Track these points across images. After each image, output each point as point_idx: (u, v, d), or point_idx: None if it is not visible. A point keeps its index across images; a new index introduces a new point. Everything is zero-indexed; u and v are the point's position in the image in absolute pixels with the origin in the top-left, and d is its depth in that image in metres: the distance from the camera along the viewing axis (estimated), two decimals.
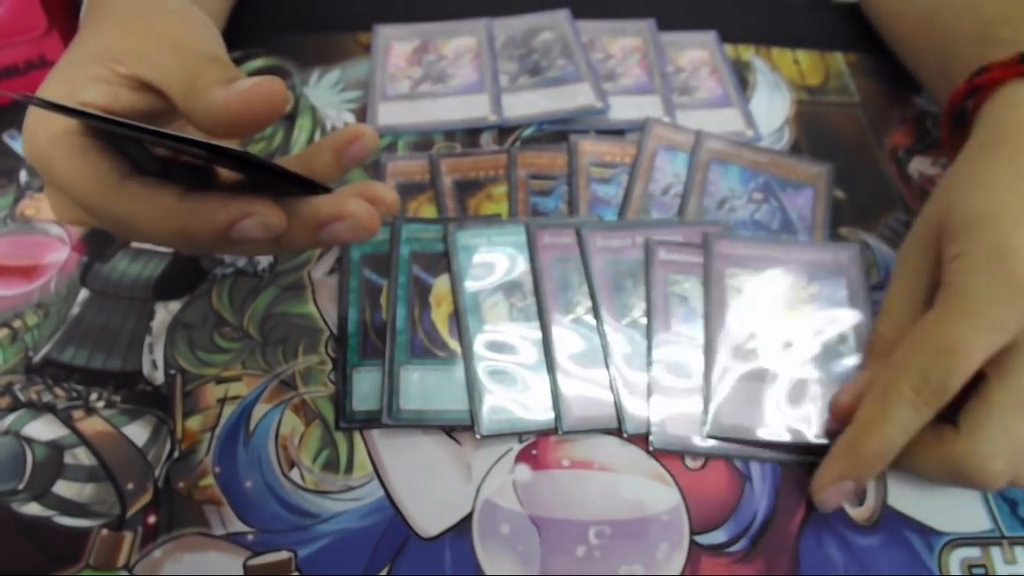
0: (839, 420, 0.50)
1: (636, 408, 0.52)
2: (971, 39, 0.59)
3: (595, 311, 0.56)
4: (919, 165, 0.66)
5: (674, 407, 0.52)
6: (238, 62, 0.71)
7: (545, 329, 0.55)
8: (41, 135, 0.44)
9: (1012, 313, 0.45)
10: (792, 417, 0.51)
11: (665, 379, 0.53)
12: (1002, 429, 0.45)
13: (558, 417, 0.52)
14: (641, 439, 0.52)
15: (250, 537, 0.48)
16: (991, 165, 0.51)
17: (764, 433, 0.51)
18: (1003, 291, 0.45)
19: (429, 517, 0.49)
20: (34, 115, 0.46)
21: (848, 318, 0.55)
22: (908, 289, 0.52)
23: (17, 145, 0.66)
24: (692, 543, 0.48)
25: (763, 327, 0.55)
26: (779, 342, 0.54)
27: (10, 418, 0.52)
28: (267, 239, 0.43)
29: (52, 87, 0.46)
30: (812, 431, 0.51)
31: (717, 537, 0.48)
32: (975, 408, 0.46)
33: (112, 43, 0.46)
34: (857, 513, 0.49)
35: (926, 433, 0.46)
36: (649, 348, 0.54)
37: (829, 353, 0.54)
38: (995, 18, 0.59)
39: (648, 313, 0.56)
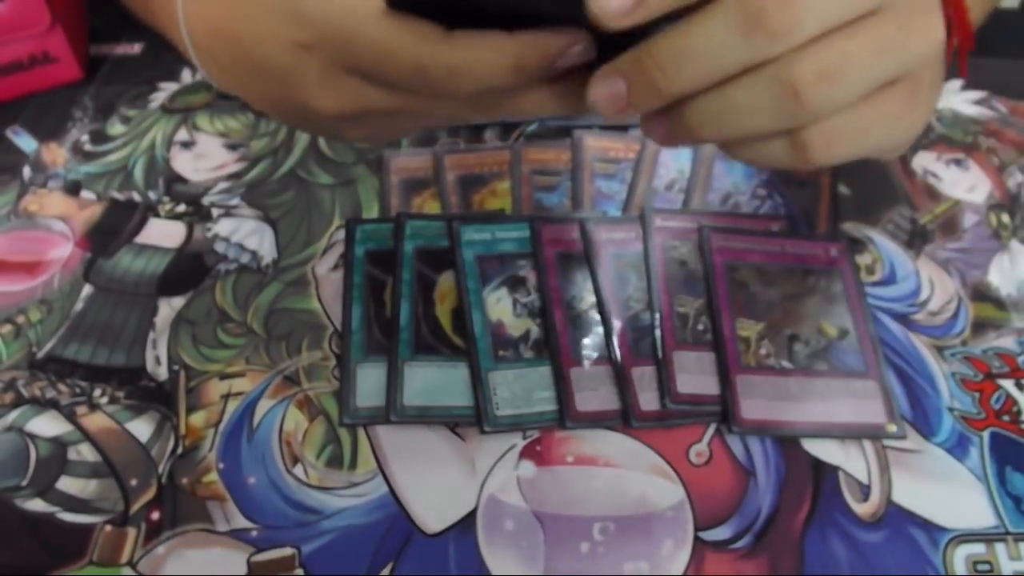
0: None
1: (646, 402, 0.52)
2: None
3: (599, 305, 0.56)
4: (923, 160, 0.66)
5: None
6: None
7: (549, 324, 0.55)
8: (335, 11, 0.41)
9: None
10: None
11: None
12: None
13: (562, 412, 0.51)
14: (645, 433, 0.52)
15: (254, 533, 0.48)
16: None
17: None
18: None
19: (433, 513, 0.49)
20: None
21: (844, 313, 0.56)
22: None
23: (21, 140, 0.66)
24: (696, 539, 0.48)
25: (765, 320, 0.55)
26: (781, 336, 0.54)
27: (14, 414, 0.52)
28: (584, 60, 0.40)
29: None
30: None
31: (721, 533, 0.48)
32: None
33: None
34: (862, 509, 0.49)
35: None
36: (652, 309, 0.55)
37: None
38: None
39: (648, 277, 0.57)
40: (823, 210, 0.62)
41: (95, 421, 0.52)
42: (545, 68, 0.41)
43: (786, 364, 0.53)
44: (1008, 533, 0.49)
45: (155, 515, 0.49)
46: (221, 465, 0.50)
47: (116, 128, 0.68)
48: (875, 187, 0.64)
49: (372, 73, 0.42)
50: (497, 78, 0.41)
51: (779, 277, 0.57)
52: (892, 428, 0.52)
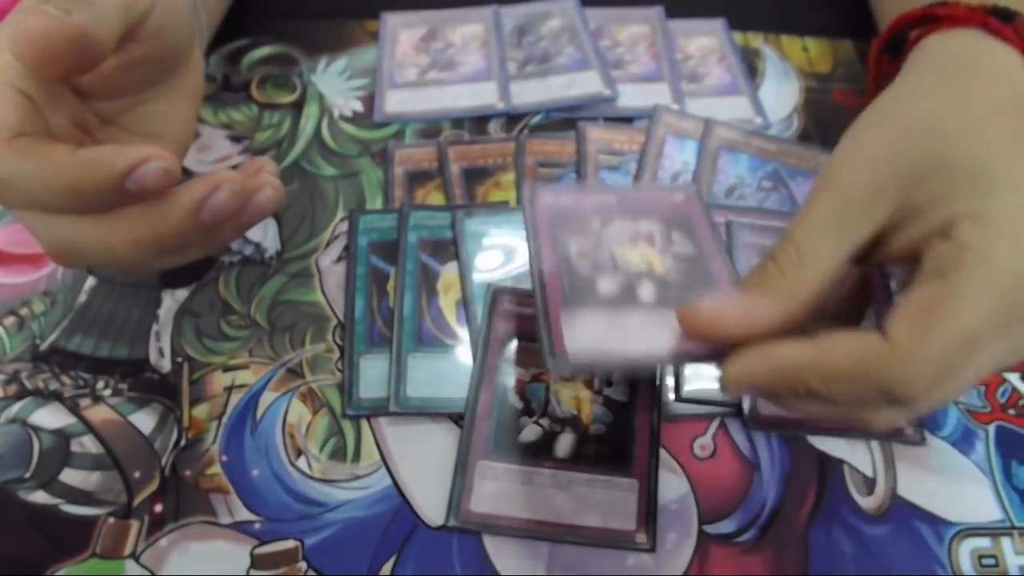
0: (694, 333, 0.40)
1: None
2: None
3: None
4: None
5: None
6: (246, 50, 0.71)
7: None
8: None
9: None
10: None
11: None
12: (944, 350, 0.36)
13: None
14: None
15: (257, 526, 0.48)
16: (980, 111, 0.41)
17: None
18: None
19: (436, 506, 0.48)
20: None
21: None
22: (839, 228, 0.40)
23: None
24: (701, 533, 0.48)
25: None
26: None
27: (17, 406, 0.52)
28: (166, 186, 0.41)
29: None
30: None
31: (726, 527, 0.48)
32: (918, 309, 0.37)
33: None
34: (867, 503, 0.49)
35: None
36: None
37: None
38: None
39: None
40: None
41: (98, 413, 0.52)
42: (110, 191, 0.40)
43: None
44: (1014, 527, 0.49)
45: (158, 507, 0.49)
46: (224, 457, 0.50)
47: None
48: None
49: None
50: (51, 198, 0.41)
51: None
52: (911, 431, 0.51)
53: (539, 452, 0.50)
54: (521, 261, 0.57)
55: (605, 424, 0.51)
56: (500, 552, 0.47)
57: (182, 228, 0.42)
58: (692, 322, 0.40)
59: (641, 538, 0.47)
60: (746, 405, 0.52)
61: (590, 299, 0.44)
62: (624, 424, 0.51)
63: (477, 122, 0.67)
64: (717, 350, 0.40)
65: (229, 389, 0.53)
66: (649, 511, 0.48)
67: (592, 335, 0.43)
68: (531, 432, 0.50)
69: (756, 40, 0.74)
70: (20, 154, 0.40)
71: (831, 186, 0.40)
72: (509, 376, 0.52)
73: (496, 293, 0.55)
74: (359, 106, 0.68)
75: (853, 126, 0.43)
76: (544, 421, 0.51)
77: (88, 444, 0.51)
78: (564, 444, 0.50)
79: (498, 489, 0.49)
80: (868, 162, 0.40)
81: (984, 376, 0.38)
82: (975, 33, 0.46)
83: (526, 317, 0.54)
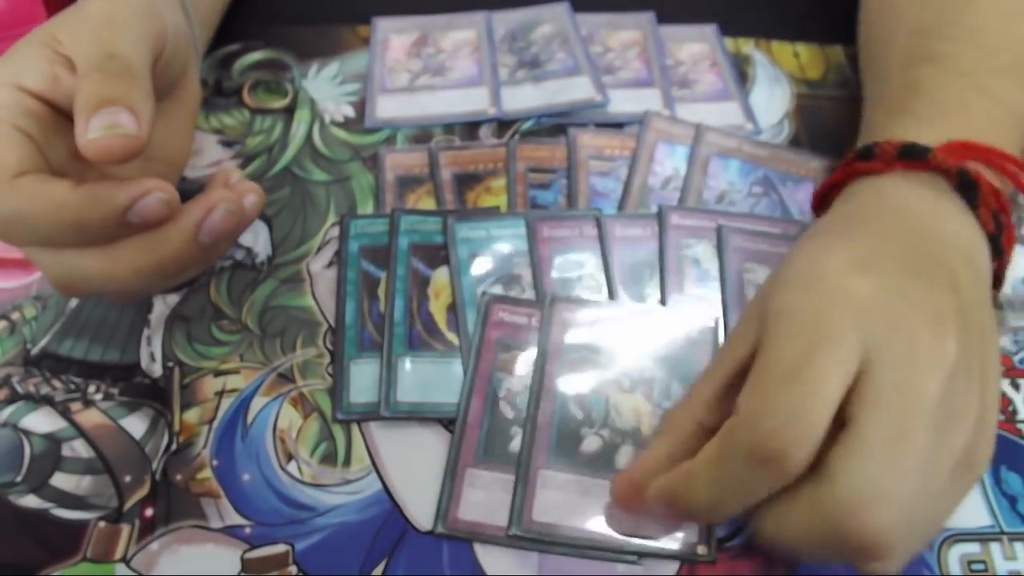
0: (628, 503, 0.45)
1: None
2: (895, 65, 0.57)
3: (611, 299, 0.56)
4: None
5: None
6: (238, 55, 0.71)
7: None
8: None
9: (849, 325, 0.39)
10: None
11: None
12: (881, 466, 0.37)
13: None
14: None
15: (247, 530, 0.48)
16: (824, 231, 0.47)
17: None
18: (836, 308, 0.39)
19: (427, 510, 0.48)
20: None
21: None
22: (721, 361, 0.44)
23: None
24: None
25: None
26: None
27: (8, 410, 0.52)
28: (166, 216, 0.44)
29: None
30: None
31: (716, 531, 0.48)
32: (845, 445, 0.37)
33: (56, 22, 0.47)
34: None
35: (783, 493, 0.39)
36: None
37: None
38: (922, 27, 0.57)
39: (661, 276, 0.57)
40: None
41: (89, 417, 0.52)
42: (113, 225, 0.43)
43: None
44: (1003, 532, 0.48)
45: (149, 512, 0.48)
46: (215, 462, 0.50)
47: None
48: None
49: None
50: (54, 233, 0.43)
51: None
52: None
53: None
54: (515, 263, 0.58)
55: None
56: (491, 557, 0.47)
57: (182, 252, 0.45)
58: (618, 493, 0.46)
59: (703, 550, 0.47)
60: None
61: (570, 457, 0.49)
62: None
63: (468, 128, 0.67)
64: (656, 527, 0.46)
65: (220, 394, 0.53)
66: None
67: (560, 503, 0.48)
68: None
69: (747, 46, 0.74)
70: (23, 194, 0.42)
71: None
72: (500, 385, 0.52)
73: (490, 301, 0.55)
74: (351, 111, 0.68)
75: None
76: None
77: (79, 448, 0.51)
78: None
79: (486, 497, 0.49)
80: (747, 308, 0.46)
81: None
82: (855, 184, 0.50)
83: (519, 326, 0.54)
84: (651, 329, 0.54)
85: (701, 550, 0.47)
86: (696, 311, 0.55)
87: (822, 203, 0.53)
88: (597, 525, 0.47)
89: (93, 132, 0.42)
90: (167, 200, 0.44)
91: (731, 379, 0.43)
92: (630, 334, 0.53)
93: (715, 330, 0.54)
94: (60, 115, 0.46)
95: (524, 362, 0.53)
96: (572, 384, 0.52)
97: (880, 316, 0.39)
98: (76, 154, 0.44)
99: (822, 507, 0.37)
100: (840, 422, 0.38)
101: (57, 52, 0.46)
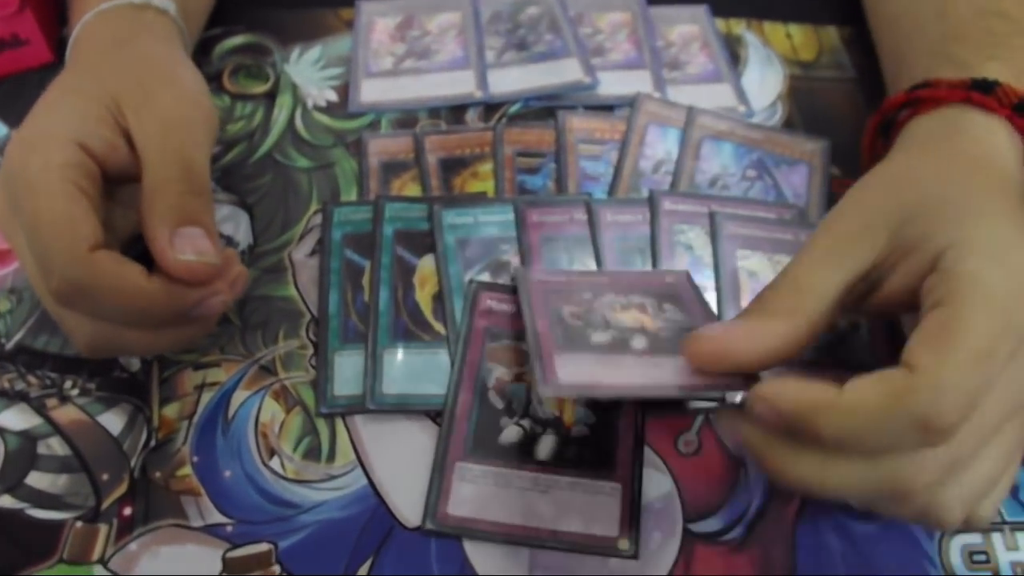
0: (702, 360, 0.42)
1: None
2: (928, 51, 0.56)
3: None
4: None
5: None
6: (218, 39, 0.70)
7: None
8: (34, 160, 0.44)
9: None
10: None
11: None
12: (975, 362, 0.37)
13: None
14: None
15: (229, 529, 0.47)
16: (958, 168, 0.46)
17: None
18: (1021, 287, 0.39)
19: (414, 506, 0.47)
20: (29, 136, 0.46)
21: None
22: (833, 259, 0.43)
23: None
24: (686, 531, 0.47)
25: None
26: None
27: None
28: (221, 313, 0.49)
29: (56, 118, 0.47)
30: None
31: (711, 525, 0.47)
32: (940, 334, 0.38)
33: (120, 89, 0.48)
34: None
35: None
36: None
37: None
38: (953, 34, 0.55)
39: (653, 262, 0.56)
40: (815, 192, 0.61)
41: (66, 414, 0.51)
42: (175, 317, 0.46)
43: None
44: (1005, 523, 0.48)
45: (127, 511, 0.47)
46: (195, 458, 0.49)
47: None
48: (867, 169, 0.62)
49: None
50: (120, 315, 0.45)
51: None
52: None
53: (520, 454, 0.49)
54: (503, 250, 0.56)
55: (587, 425, 0.50)
56: (480, 555, 0.46)
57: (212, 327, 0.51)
58: (698, 349, 0.42)
59: (624, 544, 0.46)
60: (738, 399, 0.51)
61: (583, 347, 0.46)
62: (607, 426, 0.50)
63: (454, 111, 0.66)
64: (725, 381, 0.42)
65: (200, 388, 0.52)
66: (632, 516, 0.47)
67: (586, 371, 0.45)
68: (512, 433, 0.49)
69: (739, 27, 0.73)
70: (100, 272, 0.43)
71: (825, 229, 0.44)
72: (490, 375, 0.51)
73: (477, 289, 0.54)
74: (334, 96, 0.67)
75: (847, 192, 0.46)
76: (525, 422, 0.50)
77: (55, 446, 0.49)
78: (545, 446, 0.49)
79: (476, 492, 0.47)
80: (858, 207, 0.44)
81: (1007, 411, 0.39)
82: (957, 108, 0.50)
83: (508, 314, 0.53)
84: (625, 277, 0.54)
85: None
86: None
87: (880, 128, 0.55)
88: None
89: (184, 255, 0.44)
90: (226, 301, 0.47)
91: (851, 283, 0.42)
92: (607, 283, 0.53)
93: (687, 277, 0.53)
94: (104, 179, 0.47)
95: (516, 351, 0.52)
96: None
97: None
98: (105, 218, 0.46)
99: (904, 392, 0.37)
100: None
101: (119, 123, 0.47)
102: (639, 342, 0.47)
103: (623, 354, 0.46)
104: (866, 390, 0.38)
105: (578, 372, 0.45)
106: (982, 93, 0.49)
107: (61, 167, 0.44)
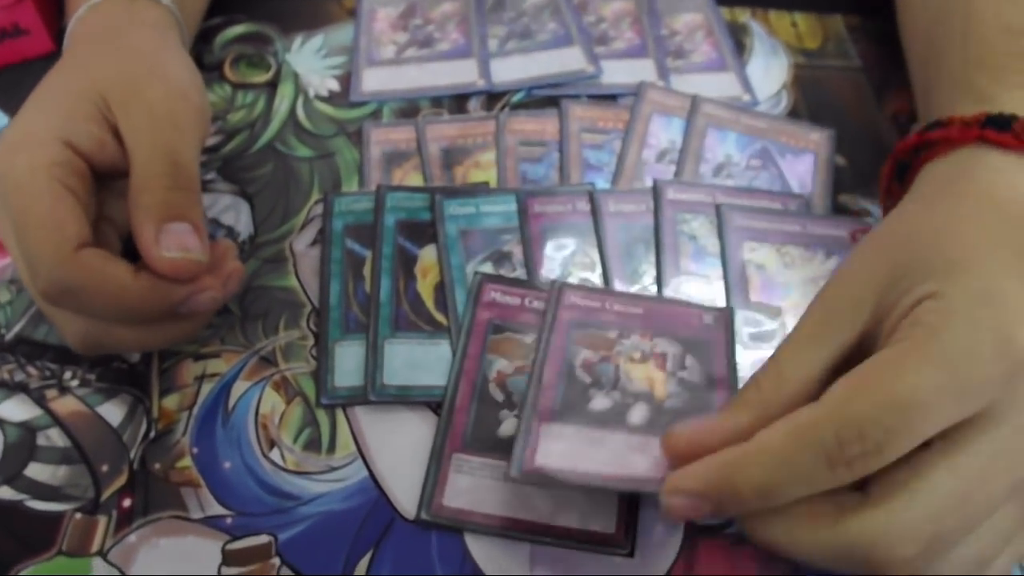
0: (674, 458, 0.41)
1: None
2: (950, 78, 0.53)
3: (604, 277, 0.55)
4: None
5: None
6: (219, 28, 0.70)
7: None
8: (21, 160, 0.45)
9: (993, 375, 0.37)
10: None
11: None
12: (929, 511, 0.36)
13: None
14: None
15: (229, 520, 0.46)
16: (958, 216, 0.43)
17: None
18: (987, 346, 0.37)
19: (415, 498, 0.47)
20: (16, 136, 0.46)
21: None
22: (819, 340, 0.41)
23: None
24: (688, 524, 0.47)
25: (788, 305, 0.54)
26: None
27: None
28: (212, 310, 0.50)
29: (42, 116, 0.47)
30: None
31: (714, 517, 0.47)
32: (900, 476, 0.37)
33: (108, 86, 0.47)
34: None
35: (817, 500, 0.38)
36: (659, 286, 0.54)
37: None
38: (976, 60, 0.52)
39: (657, 253, 0.56)
40: (819, 181, 0.60)
41: (65, 405, 0.50)
42: (163, 313, 0.46)
43: None
44: None
45: (127, 502, 0.47)
46: (195, 449, 0.49)
47: None
48: (873, 158, 0.62)
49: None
50: (109, 313, 0.46)
51: (799, 259, 0.55)
52: None
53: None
54: (506, 240, 0.56)
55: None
56: (481, 548, 0.46)
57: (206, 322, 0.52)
58: (672, 445, 0.41)
59: (620, 540, 0.46)
60: None
61: (578, 415, 0.47)
62: None
63: (457, 100, 0.66)
64: None
65: (200, 378, 0.51)
66: (630, 513, 0.47)
67: (567, 450, 0.45)
68: (510, 426, 0.49)
69: (743, 15, 0.72)
70: (86, 270, 0.43)
71: (817, 303, 0.43)
72: (491, 368, 0.51)
73: (482, 281, 0.54)
74: (335, 85, 0.66)
75: (850, 253, 0.45)
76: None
77: (55, 437, 0.49)
78: (638, 414, 0.48)
79: (473, 484, 0.47)
80: (850, 276, 0.43)
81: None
82: (971, 150, 0.47)
83: (511, 307, 0.53)
84: (660, 311, 0.52)
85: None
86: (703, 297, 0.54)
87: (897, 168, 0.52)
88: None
89: (169, 251, 0.44)
90: (216, 297, 0.47)
91: (836, 359, 0.41)
92: (640, 316, 0.52)
93: (728, 316, 0.52)
94: (93, 176, 0.48)
95: (518, 344, 0.51)
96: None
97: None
98: (97, 214, 0.47)
99: (852, 527, 0.37)
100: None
101: (107, 118, 0.47)
102: (638, 414, 0.47)
103: (615, 431, 0.46)
104: (771, 431, 0.38)
105: (558, 451, 0.45)
106: (997, 130, 0.46)
107: (47, 166, 0.44)
